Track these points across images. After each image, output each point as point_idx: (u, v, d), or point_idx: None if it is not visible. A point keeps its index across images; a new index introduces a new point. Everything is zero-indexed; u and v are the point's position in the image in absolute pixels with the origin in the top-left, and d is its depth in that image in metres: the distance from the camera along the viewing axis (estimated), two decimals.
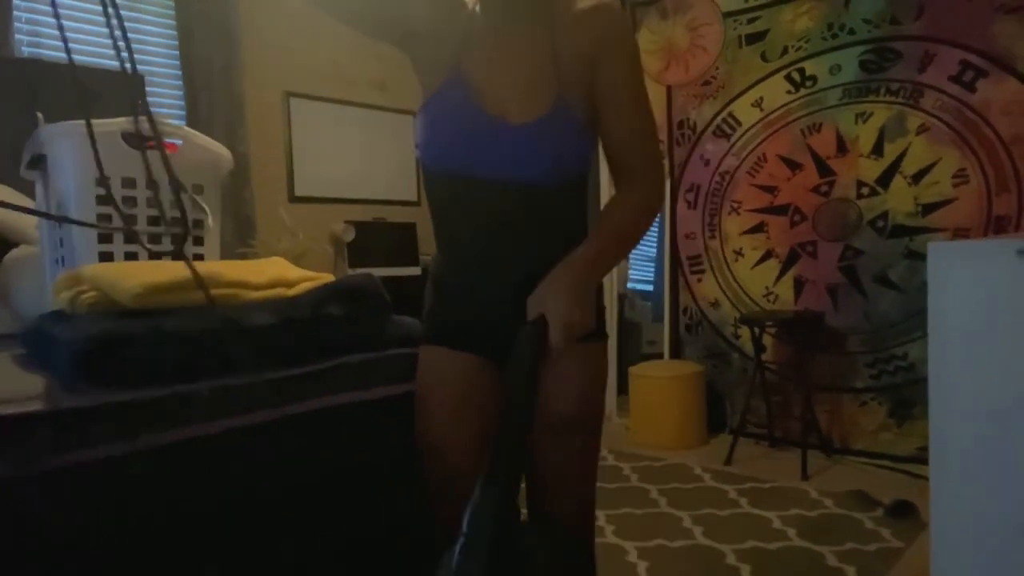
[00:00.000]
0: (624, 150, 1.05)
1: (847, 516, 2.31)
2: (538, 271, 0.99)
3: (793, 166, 3.09)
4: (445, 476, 1.06)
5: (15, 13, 2.63)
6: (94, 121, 1.15)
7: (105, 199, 1.20)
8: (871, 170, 2.86)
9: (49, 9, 2.74)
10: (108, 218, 1.20)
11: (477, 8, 1.04)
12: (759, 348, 3.00)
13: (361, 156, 3.92)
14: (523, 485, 1.13)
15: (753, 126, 3.21)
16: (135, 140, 1.23)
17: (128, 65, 0.79)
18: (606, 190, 3.82)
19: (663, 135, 3.52)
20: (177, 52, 3.09)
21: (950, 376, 1.06)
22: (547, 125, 0.99)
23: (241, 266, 1.18)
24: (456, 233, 1.07)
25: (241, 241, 3.25)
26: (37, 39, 2.72)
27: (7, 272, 1.51)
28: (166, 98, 3.09)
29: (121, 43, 0.76)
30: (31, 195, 1.50)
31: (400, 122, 4.09)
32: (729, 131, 3.29)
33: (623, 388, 3.62)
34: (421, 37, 1.05)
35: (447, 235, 1.09)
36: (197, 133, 1.34)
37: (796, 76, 3.06)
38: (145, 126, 1.22)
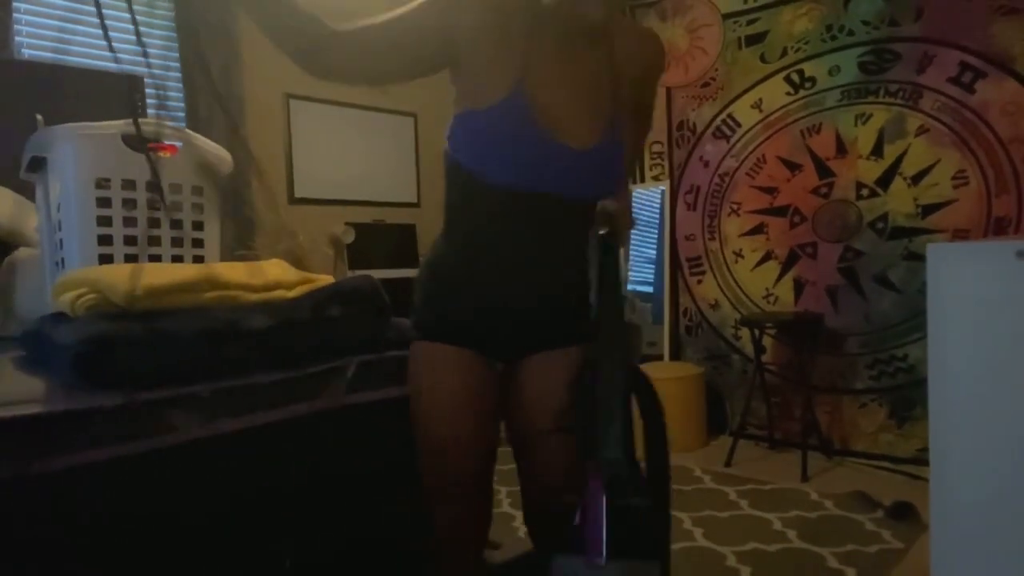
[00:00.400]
0: (630, 151, 1.19)
1: (847, 518, 2.31)
2: (552, 276, 1.07)
3: (793, 167, 3.09)
4: (445, 476, 1.06)
5: (15, 15, 2.64)
6: (94, 123, 1.15)
7: (106, 202, 1.20)
8: (871, 171, 2.87)
9: (49, 11, 2.74)
10: (108, 220, 1.20)
11: (538, 27, 1.03)
12: (759, 349, 3.00)
13: (361, 158, 3.93)
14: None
15: (752, 127, 3.21)
16: (135, 142, 1.23)
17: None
18: None
19: (663, 137, 3.53)
20: (177, 53, 3.09)
21: (950, 377, 1.06)
22: (605, 149, 1.06)
23: (241, 268, 1.18)
24: (489, 237, 1.06)
25: (241, 243, 3.25)
26: (37, 41, 2.72)
27: (7, 274, 1.51)
28: (165, 99, 3.09)
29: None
30: (31, 197, 1.50)
31: (400, 124, 4.10)
32: (729, 132, 3.29)
33: None
34: (471, 53, 1.02)
35: (474, 236, 1.08)
36: (197, 135, 1.34)
37: (795, 77, 3.06)
38: (144, 128, 1.22)
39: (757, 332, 2.99)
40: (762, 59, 3.15)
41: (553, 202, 1.03)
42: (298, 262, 1.46)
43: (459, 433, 1.05)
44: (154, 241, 1.26)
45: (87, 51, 2.73)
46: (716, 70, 3.31)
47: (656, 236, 3.60)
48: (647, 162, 3.61)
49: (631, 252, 3.74)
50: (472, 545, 1.10)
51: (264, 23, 0.96)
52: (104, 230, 1.21)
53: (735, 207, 3.29)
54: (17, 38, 2.64)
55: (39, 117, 1.46)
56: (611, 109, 1.07)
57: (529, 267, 1.06)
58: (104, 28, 0.78)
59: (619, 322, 0.92)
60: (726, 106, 3.29)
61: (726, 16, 3.25)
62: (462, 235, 1.10)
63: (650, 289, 3.66)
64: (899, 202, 2.80)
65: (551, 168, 1.01)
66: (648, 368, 3.43)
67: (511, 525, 2.02)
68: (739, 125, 3.26)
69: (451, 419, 1.05)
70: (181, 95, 3.09)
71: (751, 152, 3.22)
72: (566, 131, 1.02)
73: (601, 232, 0.99)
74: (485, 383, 1.09)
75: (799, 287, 3.10)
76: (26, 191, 1.59)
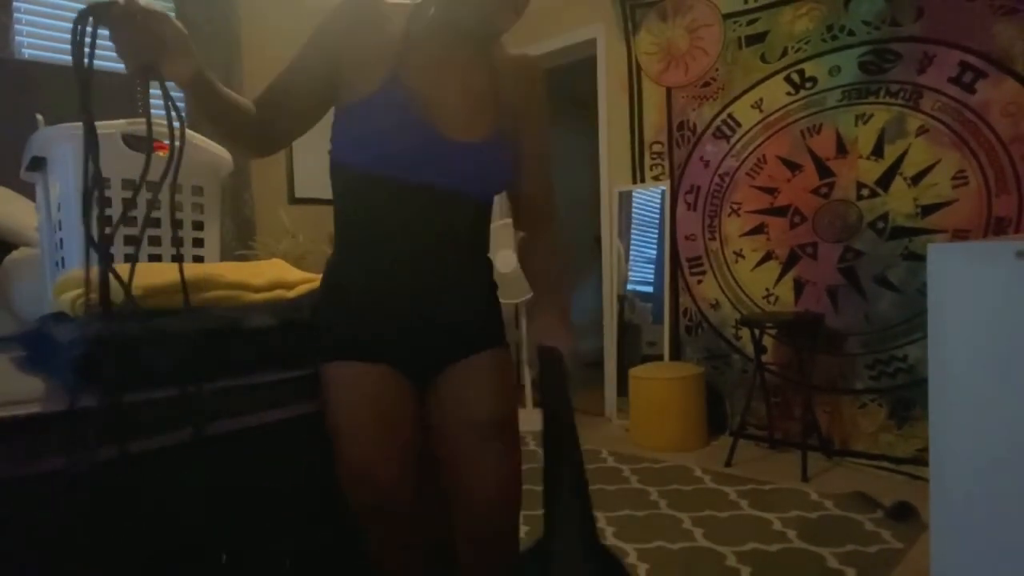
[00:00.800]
0: (535, 198, 1.18)
1: (847, 518, 2.31)
2: (453, 279, 1.06)
3: (793, 167, 3.09)
4: (376, 497, 1.00)
5: (15, 15, 2.64)
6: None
7: (106, 202, 1.20)
8: (871, 171, 2.87)
9: (49, 11, 2.74)
10: (108, 220, 1.20)
11: (416, 25, 1.05)
12: (759, 349, 3.00)
13: None
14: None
15: (753, 127, 3.21)
16: (135, 142, 1.23)
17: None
18: (605, 197, 3.82)
19: (663, 137, 3.53)
20: None
21: (950, 377, 1.06)
22: (491, 146, 1.05)
23: (241, 268, 1.18)
24: (383, 239, 1.04)
25: (241, 243, 3.25)
26: (37, 41, 2.72)
27: (7, 274, 1.51)
28: None
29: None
30: (31, 197, 1.50)
31: None
32: (729, 132, 3.29)
33: (623, 390, 3.62)
34: (348, 54, 1.03)
35: (369, 240, 1.05)
36: (197, 135, 1.34)
37: (796, 78, 3.06)
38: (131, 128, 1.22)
39: (757, 332, 2.99)
40: (762, 59, 3.15)
41: (444, 197, 1.02)
42: (298, 262, 1.46)
43: (380, 457, 0.99)
44: (154, 241, 1.26)
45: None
46: (716, 70, 3.31)
47: (656, 236, 3.60)
48: (647, 162, 3.61)
49: (631, 252, 3.74)
50: (410, 562, 1.04)
51: (219, 134, 1.03)
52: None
53: (735, 207, 3.29)
54: (17, 38, 2.64)
55: (39, 117, 1.46)
56: (495, 112, 1.07)
57: (433, 271, 1.04)
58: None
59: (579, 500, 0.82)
60: (726, 106, 3.29)
61: (726, 16, 3.25)
62: (355, 240, 1.07)
63: (650, 289, 3.66)
64: (899, 202, 2.80)
65: (433, 159, 1.00)
66: (648, 368, 3.44)
67: None
68: (739, 125, 3.26)
69: (372, 444, 0.99)
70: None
71: (751, 152, 3.22)
72: (448, 125, 1.01)
73: (545, 378, 0.96)
74: (404, 401, 1.03)
75: (799, 287, 3.10)
76: (26, 191, 1.59)
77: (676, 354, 3.53)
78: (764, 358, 3.06)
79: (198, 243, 1.36)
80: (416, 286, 1.03)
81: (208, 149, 1.38)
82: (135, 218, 1.23)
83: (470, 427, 1.04)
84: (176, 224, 1.05)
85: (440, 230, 1.04)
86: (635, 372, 3.39)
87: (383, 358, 1.02)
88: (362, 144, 0.99)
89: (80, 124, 0.78)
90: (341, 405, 1.01)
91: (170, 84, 0.88)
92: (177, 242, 0.91)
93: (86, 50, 0.78)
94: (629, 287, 3.77)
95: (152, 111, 0.86)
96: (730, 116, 3.28)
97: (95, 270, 0.81)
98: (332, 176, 1.08)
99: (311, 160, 3.68)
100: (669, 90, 3.49)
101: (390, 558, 1.03)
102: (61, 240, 1.25)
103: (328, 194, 1.12)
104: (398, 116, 0.98)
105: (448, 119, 1.01)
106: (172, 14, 3.00)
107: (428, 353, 1.06)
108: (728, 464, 2.92)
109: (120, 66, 0.82)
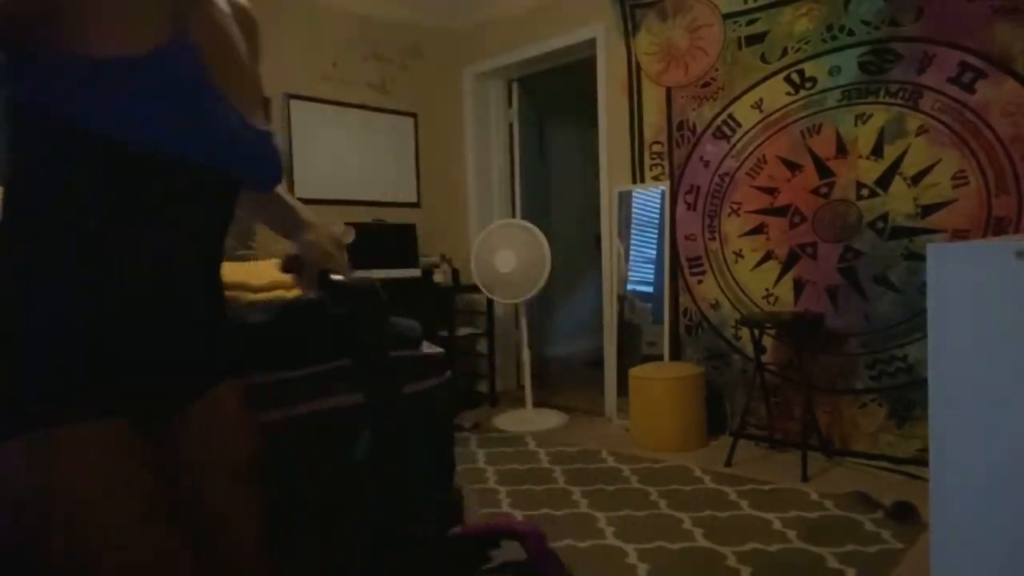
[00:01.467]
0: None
1: (847, 518, 2.31)
2: (201, 295, 0.88)
3: (793, 167, 3.09)
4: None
5: None
6: None
7: None
8: (871, 171, 2.87)
9: None
10: None
11: None
12: (759, 349, 3.00)
13: (361, 158, 3.93)
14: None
15: (753, 128, 3.21)
16: None
17: None
18: (605, 197, 3.82)
19: (663, 137, 3.53)
20: None
21: (950, 377, 1.06)
22: (267, 130, 0.90)
23: (241, 268, 1.18)
24: (137, 235, 0.77)
25: (241, 243, 3.25)
26: None
27: None
28: None
29: None
30: None
31: (401, 124, 4.10)
32: (729, 132, 3.29)
33: (623, 390, 3.62)
34: None
35: (106, 242, 0.76)
36: None
37: (796, 78, 3.06)
38: None
39: (757, 332, 2.99)
40: (762, 59, 3.15)
41: (213, 189, 0.84)
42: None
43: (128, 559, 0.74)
44: None
45: None
46: (716, 70, 3.31)
47: (656, 236, 3.60)
48: (647, 162, 3.61)
49: (631, 252, 3.74)
50: None
51: None
52: None
53: (735, 207, 3.29)
54: None
55: None
56: (259, 86, 0.93)
57: (182, 283, 0.83)
58: None
59: None
60: (726, 106, 3.29)
61: (726, 16, 3.25)
62: (74, 238, 0.75)
63: (650, 289, 3.66)
64: (899, 202, 2.80)
65: (218, 141, 0.80)
66: (648, 368, 3.44)
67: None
68: (739, 125, 3.26)
69: (117, 548, 0.74)
70: None
71: (751, 152, 3.22)
72: (236, 99, 0.82)
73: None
74: (144, 470, 0.77)
75: (799, 287, 3.10)
76: None
77: (676, 354, 3.53)
78: (764, 358, 3.06)
79: None
80: (161, 301, 0.81)
81: None
82: None
83: (224, 470, 0.90)
84: None
85: (223, 226, 0.90)
86: (635, 372, 3.39)
87: (118, 409, 0.74)
88: (129, 112, 0.72)
89: None
90: (65, 501, 0.71)
91: None
92: None
93: None
94: (629, 287, 3.77)
95: None
96: (730, 116, 3.28)
97: None
98: (36, 135, 0.74)
99: (311, 160, 3.68)
100: (669, 90, 3.49)
101: None
102: None
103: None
104: (188, 84, 0.76)
105: (235, 92, 0.82)
106: None
107: (170, 390, 0.84)
108: (728, 464, 2.92)
109: None
